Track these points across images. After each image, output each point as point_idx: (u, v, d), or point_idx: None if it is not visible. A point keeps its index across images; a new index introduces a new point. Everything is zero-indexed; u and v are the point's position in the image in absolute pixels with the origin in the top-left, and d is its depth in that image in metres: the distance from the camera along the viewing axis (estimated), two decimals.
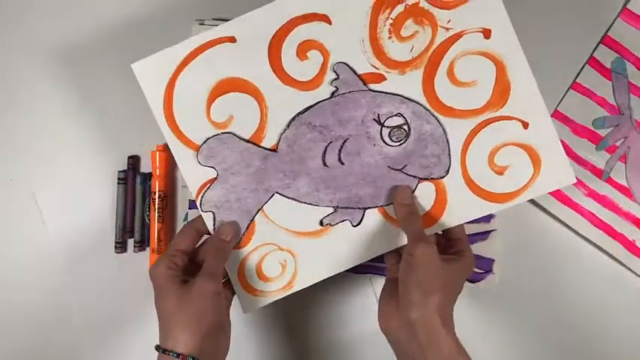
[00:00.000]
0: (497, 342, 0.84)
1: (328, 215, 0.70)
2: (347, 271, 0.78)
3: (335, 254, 0.70)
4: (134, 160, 0.83)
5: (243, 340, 0.85)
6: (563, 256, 0.83)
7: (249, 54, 0.67)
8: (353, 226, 0.70)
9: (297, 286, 0.71)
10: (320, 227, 0.70)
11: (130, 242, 0.84)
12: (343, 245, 0.70)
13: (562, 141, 0.78)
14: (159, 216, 0.81)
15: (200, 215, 0.70)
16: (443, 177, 0.69)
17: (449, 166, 0.68)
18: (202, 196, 0.70)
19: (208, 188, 0.70)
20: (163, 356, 0.63)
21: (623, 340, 0.83)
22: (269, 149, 0.69)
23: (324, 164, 0.69)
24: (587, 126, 0.81)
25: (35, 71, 0.84)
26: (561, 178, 0.68)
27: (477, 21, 0.67)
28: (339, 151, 0.68)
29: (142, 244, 0.84)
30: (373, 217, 0.70)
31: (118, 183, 0.83)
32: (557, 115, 0.81)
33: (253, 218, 0.70)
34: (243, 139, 0.69)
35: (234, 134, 0.69)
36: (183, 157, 0.69)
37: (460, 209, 0.69)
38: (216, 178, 0.69)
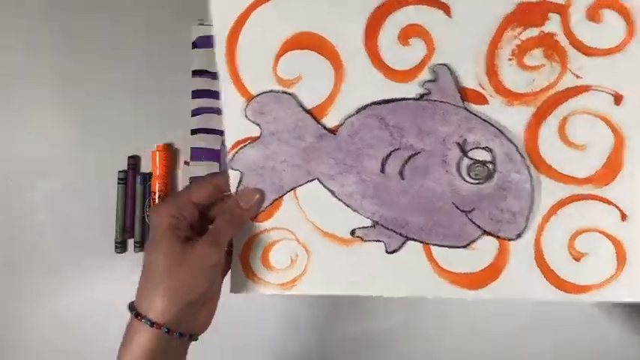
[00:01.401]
0: (496, 342, 0.82)
1: (364, 228, 0.59)
2: None
3: (353, 273, 0.59)
4: (134, 160, 0.83)
5: (242, 340, 0.84)
6: None
7: (345, 16, 0.56)
8: (386, 251, 0.58)
9: (298, 289, 0.60)
10: (349, 236, 0.59)
11: (130, 242, 0.84)
12: (366, 268, 0.59)
13: None
14: None
15: (225, 171, 0.59)
16: (511, 240, 0.56)
17: (523, 230, 0.56)
18: (236, 152, 0.59)
19: (245, 146, 0.59)
20: (135, 320, 0.54)
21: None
22: (328, 129, 0.58)
23: (382, 170, 0.58)
24: None
25: (35, 70, 0.84)
26: (636, 292, 0.57)
27: (612, 81, 0.56)
28: (405, 162, 0.57)
29: (142, 244, 0.83)
30: (413, 253, 0.58)
31: (118, 183, 0.83)
32: None
33: (282, 196, 0.59)
34: (304, 108, 0.58)
35: (295, 97, 0.58)
36: (231, 104, 0.58)
37: (517, 282, 0.57)
38: (258, 138, 0.59)
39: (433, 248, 0.58)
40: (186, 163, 0.84)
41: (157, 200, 0.81)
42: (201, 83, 0.84)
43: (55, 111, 0.85)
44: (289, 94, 0.58)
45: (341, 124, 0.58)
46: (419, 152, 0.57)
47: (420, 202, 0.57)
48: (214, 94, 0.83)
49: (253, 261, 0.61)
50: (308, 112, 0.58)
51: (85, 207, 0.84)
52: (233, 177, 0.59)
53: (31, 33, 0.85)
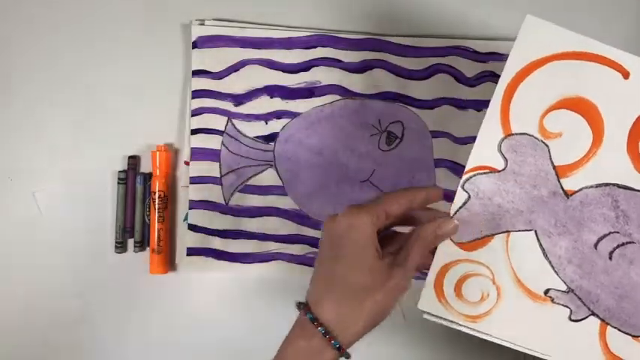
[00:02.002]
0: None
1: (558, 290, 0.61)
2: None
3: (532, 328, 0.61)
4: (134, 160, 0.84)
5: (239, 339, 0.85)
6: None
7: (627, 103, 0.60)
8: (570, 318, 0.61)
9: (478, 326, 0.61)
10: (541, 294, 0.61)
11: (130, 242, 0.84)
12: (546, 327, 0.61)
13: None
14: (159, 216, 0.82)
15: (421, 187, 0.62)
16: None
17: None
18: (473, 176, 0.60)
19: (484, 173, 0.60)
20: (319, 337, 0.52)
21: None
22: (563, 190, 0.60)
23: (595, 246, 0.60)
24: None
25: (35, 70, 0.84)
26: None
27: None
28: (618, 246, 0.60)
29: (142, 244, 0.84)
30: (590, 327, 0.61)
31: (118, 183, 0.83)
32: None
33: (495, 234, 0.61)
34: (552, 162, 0.60)
35: (549, 150, 0.60)
36: (490, 132, 0.60)
37: None
38: (498, 171, 0.60)
39: (608, 328, 0.61)
40: (186, 163, 0.84)
41: (156, 200, 0.81)
42: (201, 83, 0.84)
43: (55, 111, 0.84)
44: (546, 144, 0.60)
45: (577, 191, 0.60)
46: (634, 243, 0.60)
47: (617, 286, 0.60)
48: (214, 94, 0.84)
49: (447, 285, 0.61)
50: (554, 167, 0.60)
51: (85, 207, 0.84)
52: (460, 197, 0.60)
53: (30, 33, 0.85)
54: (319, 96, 0.84)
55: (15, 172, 0.84)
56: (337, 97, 0.84)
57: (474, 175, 0.60)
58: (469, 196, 0.60)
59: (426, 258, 0.59)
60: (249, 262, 0.84)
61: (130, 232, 0.84)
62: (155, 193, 0.82)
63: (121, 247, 0.83)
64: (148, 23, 0.84)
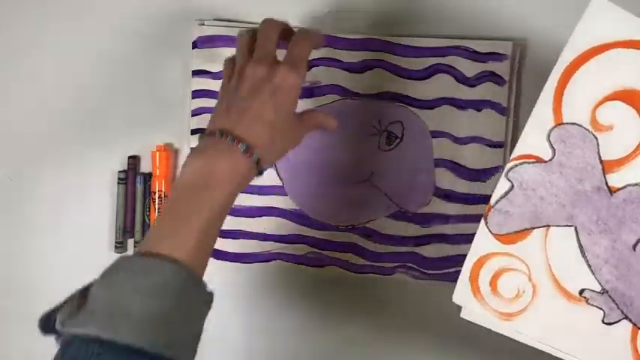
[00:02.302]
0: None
1: (593, 291, 0.59)
2: (346, 270, 0.82)
3: (565, 329, 0.59)
4: (134, 160, 0.84)
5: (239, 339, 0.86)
6: None
7: None
8: (603, 321, 0.59)
9: (512, 325, 0.59)
10: (576, 294, 0.59)
11: (130, 242, 0.85)
12: (579, 329, 0.59)
13: None
14: None
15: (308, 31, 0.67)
16: None
17: None
18: (519, 164, 0.59)
19: (530, 163, 0.59)
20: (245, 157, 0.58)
21: None
22: (608, 187, 0.59)
23: (634, 247, 0.59)
24: None
25: (35, 70, 0.85)
26: None
27: None
28: None
29: None
30: (622, 331, 0.59)
31: (118, 183, 0.84)
32: None
33: (534, 228, 0.59)
34: (600, 156, 0.59)
35: (598, 143, 0.59)
36: (540, 120, 0.59)
37: None
38: (544, 161, 0.59)
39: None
40: None
41: (157, 200, 0.82)
42: (201, 83, 0.83)
43: (55, 110, 0.85)
44: (595, 137, 0.58)
45: (621, 188, 0.59)
46: None
47: None
48: (214, 94, 0.81)
49: (483, 279, 0.60)
50: (601, 162, 0.59)
51: (85, 207, 0.85)
52: (502, 186, 0.59)
53: (31, 33, 0.86)
54: (319, 96, 0.83)
55: (15, 173, 0.85)
56: (337, 97, 0.83)
57: (520, 164, 0.59)
58: (512, 186, 0.59)
59: None
60: (249, 262, 0.84)
61: (130, 232, 0.84)
62: (155, 193, 0.82)
63: (121, 247, 0.84)
64: (148, 23, 0.84)
